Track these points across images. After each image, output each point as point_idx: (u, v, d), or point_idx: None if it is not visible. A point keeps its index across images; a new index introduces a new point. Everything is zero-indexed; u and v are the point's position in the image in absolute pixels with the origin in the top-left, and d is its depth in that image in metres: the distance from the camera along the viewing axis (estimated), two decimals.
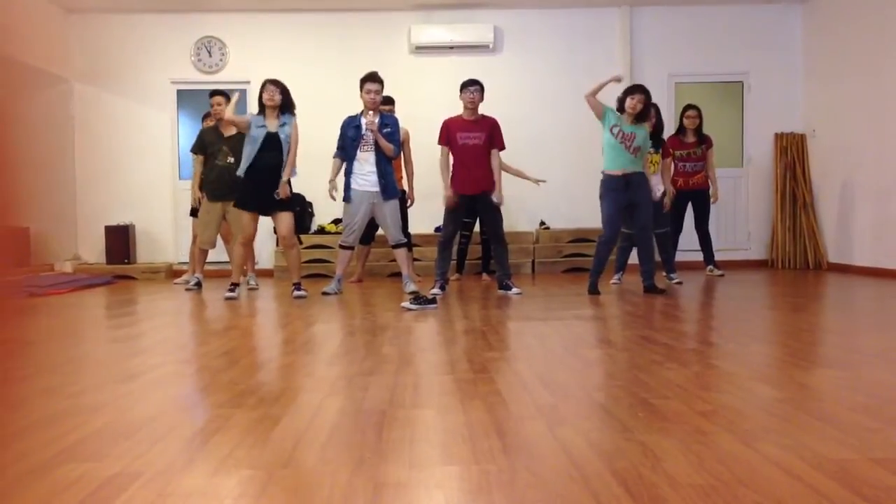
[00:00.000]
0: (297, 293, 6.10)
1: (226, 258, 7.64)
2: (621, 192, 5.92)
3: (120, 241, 8.79)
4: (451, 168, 6.21)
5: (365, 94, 6.10)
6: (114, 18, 9.02)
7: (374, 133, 6.05)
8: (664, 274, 7.04)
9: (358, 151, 6.14)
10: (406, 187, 7.22)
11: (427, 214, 8.15)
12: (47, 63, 8.55)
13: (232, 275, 6.34)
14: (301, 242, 6.40)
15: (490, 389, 2.62)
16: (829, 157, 8.63)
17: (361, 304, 5.63)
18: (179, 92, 9.17)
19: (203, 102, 7.53)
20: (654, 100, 6.37)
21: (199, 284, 7.01)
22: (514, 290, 6.07)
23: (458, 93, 6.16)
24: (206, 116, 7.41)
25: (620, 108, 5.99)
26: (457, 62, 8.92)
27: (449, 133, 6.13)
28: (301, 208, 8.01)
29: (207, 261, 7.25)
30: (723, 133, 8.78)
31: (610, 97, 6.23)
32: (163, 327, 4.52)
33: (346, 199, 6.21)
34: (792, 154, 9.02)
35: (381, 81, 6.14)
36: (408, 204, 7.19)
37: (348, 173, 6.19)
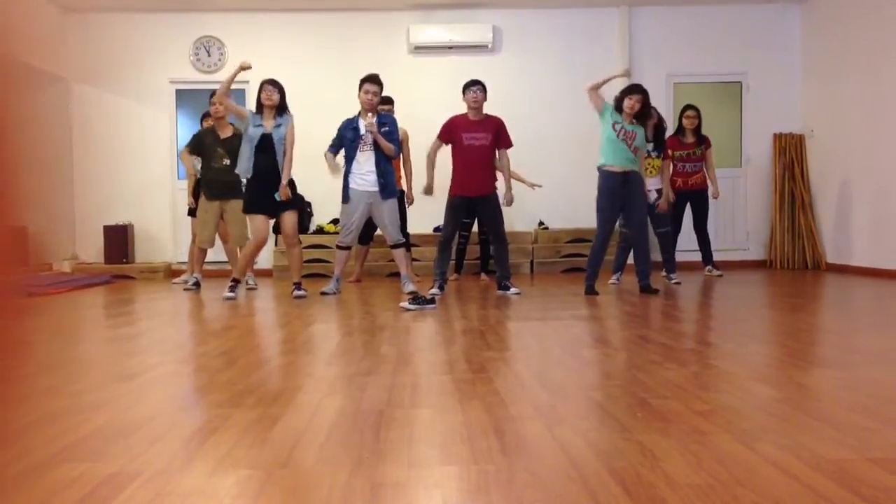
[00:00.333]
0: (296, 293, 6.09)
1: (225, 258, 7.63)
2: (619, 190, 5.91)
3: (118, 240, 8.79)
4: (432, 164, 6.16)
5: (363, 95, 6.08)
6: (113, 18, 9.01)
7: (374, 134, 6.04)
8: (663, 274, 7.04)
9: (357, 152, 6.13)
10: (405, 187, 7.22)
11: (426, 214, 8.15)
12: (46, 63, 8.55)
13: (234, 271, 6.34)
14: (300, 242, 6.40)
15: (488, 389, 2.62)
16: (827, 157, 8.64)
17: (360, 304, 5.63)
18: (178, 92, 9.17)
19: (202, 102, 7.54)
20: (653, 100, 6.33)
21: (197, 284, 7.00)
22: (513, 290, 6.06)
23: (461, 94, 6.15)
24: (205, 116, 7.40)
25: (618, 107, 5.98)
26: (456, 62, 8.92)
27: (454, 132, 6.09)
28: (300, 208, 8.01)
29: (207, 261, 7.25)
30: (721, 133, 8.78)
31: (610, 96, 6.22)
32: (161, 327, 4.52)
33: (345, 199, 6.20)
34: (790, 154, 9.03)
35: (380, 84, 6.13)
36: (407, 203, 7.19)
37: (347, 174, 6.17)
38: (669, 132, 7.37)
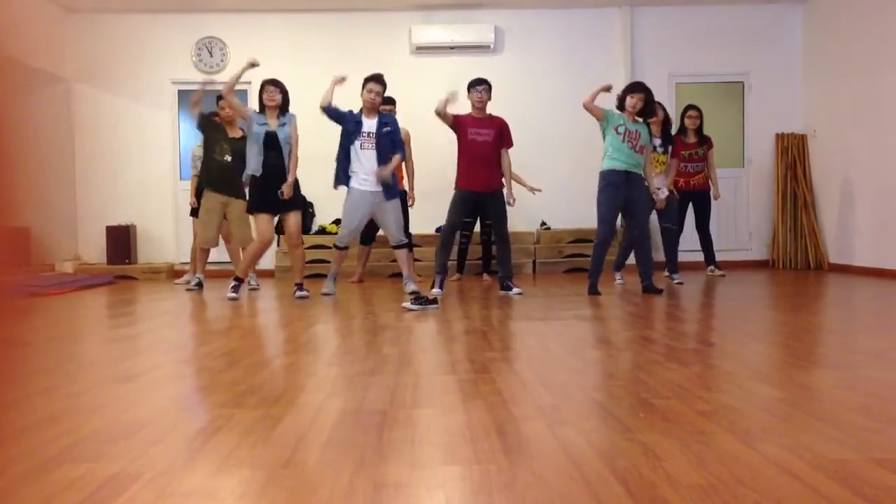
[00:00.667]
0: (299, 294, 6.09)
1: (227, 258, 7.64)
2: (621, 187, 5.89)
3: (120, 241, 8.80)
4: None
5: (366, 93, 6.08)
6: (113, 18, 9.03)
7: (384, 177, 6.00)
8: (666, 274, 7.04)
9: (359, 149, 6.10)
10: (406, 187, 7.22)
11: (427, 214, 8.15)
12: (47, 63, 8.56)
13: (236, 270, 6.33)
14: (303, 243, 6.39)
15: (491, 389, 2.62)
16: (829, 157, 8.63)
17: (362, 305, 5.63)
18: (180, 92, 9.17)
19: (204, 103, 7.51)
20: (655, 100, 6.32)
21: (199, 285, 7.01)
22: (515, 290, 6.06)
23: (466, 92, 6.15)
24: (212, 115, 7.40)
25: (620, 106, 5.97)
26: (457, 62, 8.92)
27: (460, 126, 6.11)
28: (303, 209, 8.00)
29: (209, 261, 7.25)
30: (723, 133, 8.78)
31: (610, 101, 6.21)
32: (163, 327, 4.52)
33: (337, 184, 6.11)
34: (793, 154, 9.02)
35: (384, 84, 6.13)
36: (409, 204, 7.19)
37: (346, 169, 6.13)
38: (672, 131, 7.36)
